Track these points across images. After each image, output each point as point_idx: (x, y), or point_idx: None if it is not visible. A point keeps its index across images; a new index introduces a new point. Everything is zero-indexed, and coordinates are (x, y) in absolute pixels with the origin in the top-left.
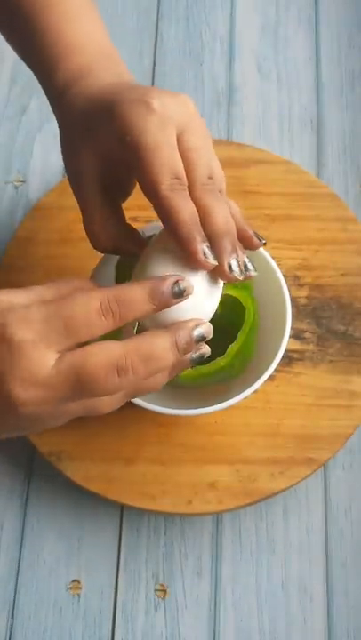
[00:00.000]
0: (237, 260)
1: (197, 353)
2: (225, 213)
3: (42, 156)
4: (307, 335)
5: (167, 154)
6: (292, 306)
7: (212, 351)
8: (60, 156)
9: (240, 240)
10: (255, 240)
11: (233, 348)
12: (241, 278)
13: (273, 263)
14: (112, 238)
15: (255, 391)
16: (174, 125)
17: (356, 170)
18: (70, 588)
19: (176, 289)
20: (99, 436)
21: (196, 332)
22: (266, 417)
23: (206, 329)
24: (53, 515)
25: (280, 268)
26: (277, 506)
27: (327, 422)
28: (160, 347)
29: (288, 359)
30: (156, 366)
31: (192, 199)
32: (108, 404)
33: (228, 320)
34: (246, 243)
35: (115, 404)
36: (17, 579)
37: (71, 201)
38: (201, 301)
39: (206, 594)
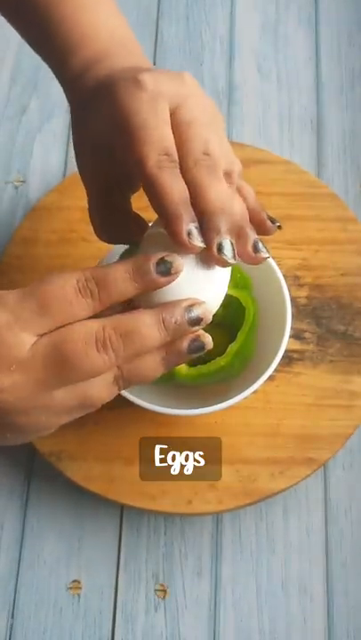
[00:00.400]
0: (231, 242)
1: (196, 343)
2: (219, 190)
3: (42, 156)
4: (307, 335)
5: (156, 130)
6: (292, 306)
7: (212, 351)
8: (60, 156)
9: (253, 224)
10: (268, 223)
11: (233, 347)
12: (233, 262)
13: (273, 263)
14: (111, 230)
15: (255, 391)
16: (167, 101)
17: (357, 170)
18: (70, 588)
19: (162, 267)
20: (99, 436)
21: (191, 313)
22: (266, 417)
23: (203, 311)
24: (53, 515)
25: (280, 268)
26: (277, 506)
27: (327, 422)
28: (142, 322)
29: (288, 359)
30: (138, 343)
31: (184, 177)
32: (99, 391)
33: (229, 320)
34: (259, 227)
35: (107, 392)
36: (17, 579)
37: (71, 201)
38: (202, 287)
39: (206, 594)
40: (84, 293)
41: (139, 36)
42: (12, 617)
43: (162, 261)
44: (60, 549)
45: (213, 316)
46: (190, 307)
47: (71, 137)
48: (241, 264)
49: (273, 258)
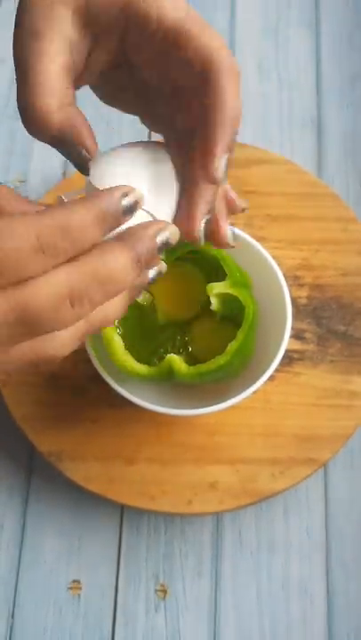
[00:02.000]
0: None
1: (155, 271)
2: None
3: (42, 155)
4: (307, 335)
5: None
6: (292, 306)
7: (212, 349)
8: (60, 156)
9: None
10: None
11: (232, 346)
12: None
13: (273, 263)
14: (69, 119)
15: (255, 391)
16: None
17: (357, 170)
18: (70, 588)
19: (125, 203)
20: (98, 436)
21: (160, 239)
22: (266, 417)
23: (171, 232)
24: (53, 514)
25: (280, 268)
26: (278, 505)
27: (327, 422)
28: (120, 264)
29: (288, 359)
30: (114, 289)
31: None
32: (62, 345)
33: (228, 319)
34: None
35: (70, 346)
36: (17, 578)
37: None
38: (155, 204)
39: (206, 594)
40: (47, 251)
41: None
42: (12, 617)
43: (125, 197)
44: (60, 549)
45: (215, 314)
46: (159, 231)
47: None
48: (241, 263)
49: (273, 258)
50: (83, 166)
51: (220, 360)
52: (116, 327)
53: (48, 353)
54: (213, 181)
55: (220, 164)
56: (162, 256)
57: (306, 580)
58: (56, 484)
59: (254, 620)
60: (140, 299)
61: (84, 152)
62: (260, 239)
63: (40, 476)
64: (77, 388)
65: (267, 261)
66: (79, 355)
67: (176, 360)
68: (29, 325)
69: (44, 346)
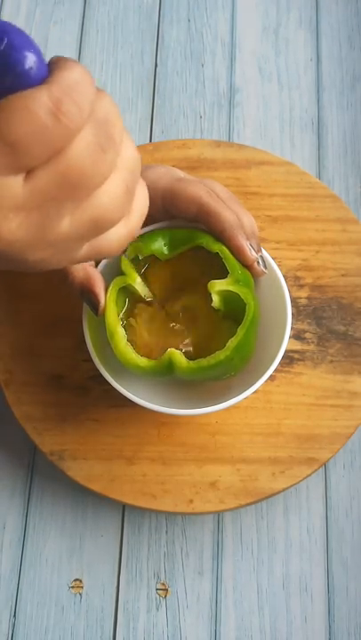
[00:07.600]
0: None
1: None
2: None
3: None
4: (307, 335)
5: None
6: (292, 306)
7: (212, 345)
8: None
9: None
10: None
11: (233, 342)
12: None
13: (273, 264)
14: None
15: (256, 391)
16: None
17: (357, 171)
18: (72, 587)
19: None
20: (100, 436)
21: None
22: (267, 417)
23: None
24: (55, 513)
25: (280, 269)
26: (278, 505)
27: (328, 422)
28: (113, 109)
29: (289, 359)
30: (118, 128)
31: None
32: (109, 197)
33: (229, 315)
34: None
35: (123, 241)
36: (19, 577)
37: None
38: None
39: (207, 593)
40: (61, 110)
41: (140, 38)
42: (14, 616)
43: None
44: (61, 548)
45: (217, 311)
46: None
47: None
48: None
49: (273, 258)
50: (94, 309)
51: (220, 355)
52: (121, 320)
53: (104, 249)
54: (251, 261)
55: (251, 254)
56: (165, 251)
57: (306, 579)
58: (58, 483)
59: (255, 618)
60: (143, 293)
61: (93, 299)
62: (260, 240)
63: (42, 476)
64: (79, 388)
65: (267, 262)
66: (81, 354)
67: (176, 354)
68: (71, 188)
69: (91, 207)
